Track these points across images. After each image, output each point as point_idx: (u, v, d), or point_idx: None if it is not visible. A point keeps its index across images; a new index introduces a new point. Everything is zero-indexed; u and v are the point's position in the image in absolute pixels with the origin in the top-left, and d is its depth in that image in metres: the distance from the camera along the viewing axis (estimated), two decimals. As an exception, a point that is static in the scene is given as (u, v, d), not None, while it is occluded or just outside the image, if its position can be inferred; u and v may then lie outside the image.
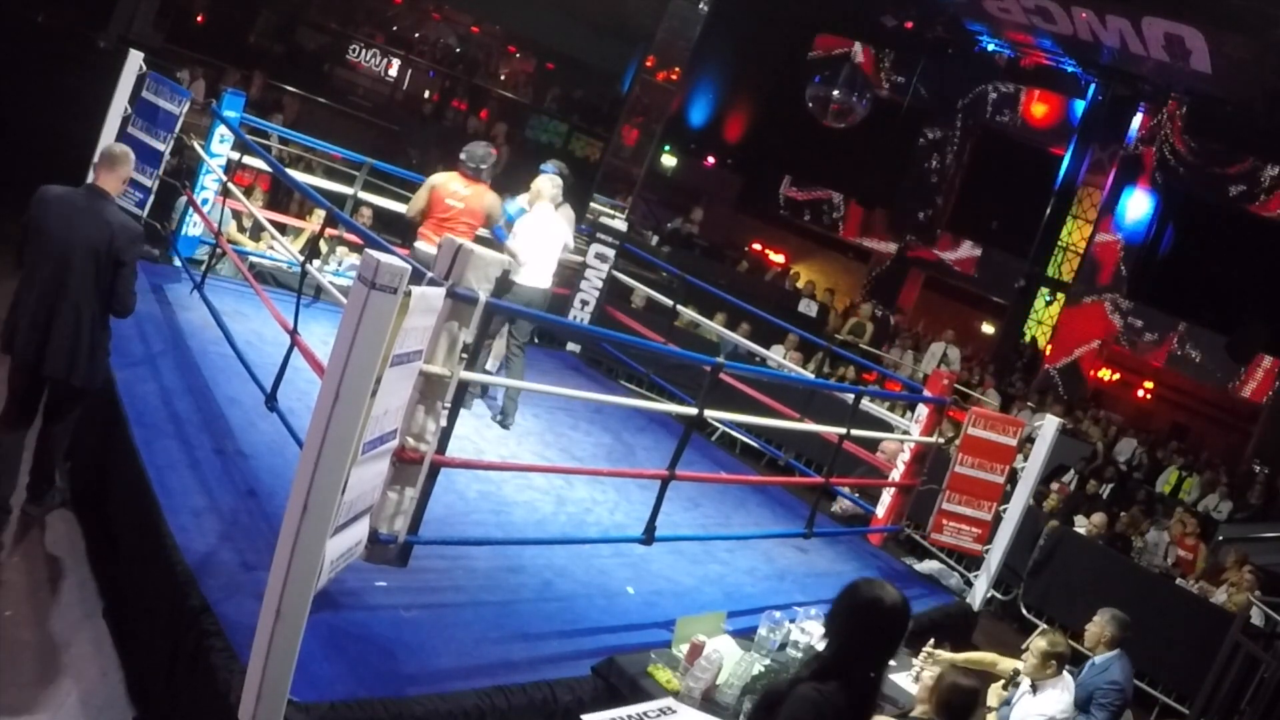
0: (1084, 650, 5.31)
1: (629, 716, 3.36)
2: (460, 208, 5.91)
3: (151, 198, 6.52)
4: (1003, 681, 5.11)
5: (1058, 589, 8.16)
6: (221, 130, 6.85)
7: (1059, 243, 16.27)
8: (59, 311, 4.18)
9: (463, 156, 6.05)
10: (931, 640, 5.09)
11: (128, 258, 4.25)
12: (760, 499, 7.00)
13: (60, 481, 4.62)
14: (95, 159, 4.46)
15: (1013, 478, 6.63)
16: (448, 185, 5.99)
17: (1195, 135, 15.15)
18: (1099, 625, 5.12)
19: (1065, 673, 4.73)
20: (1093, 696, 4.92)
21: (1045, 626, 7.80)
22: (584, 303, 8.46)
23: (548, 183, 6.49)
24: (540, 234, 6.30)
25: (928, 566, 7.28)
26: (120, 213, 4.34)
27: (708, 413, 4.96)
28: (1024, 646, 4.92)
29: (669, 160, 18.07)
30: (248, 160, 7.41)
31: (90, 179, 4.37)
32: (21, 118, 8.48)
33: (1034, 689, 4.66)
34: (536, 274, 6.28)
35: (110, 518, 4.30)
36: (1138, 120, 15.67)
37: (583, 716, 3.38)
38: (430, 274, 3.53)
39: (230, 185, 6.73)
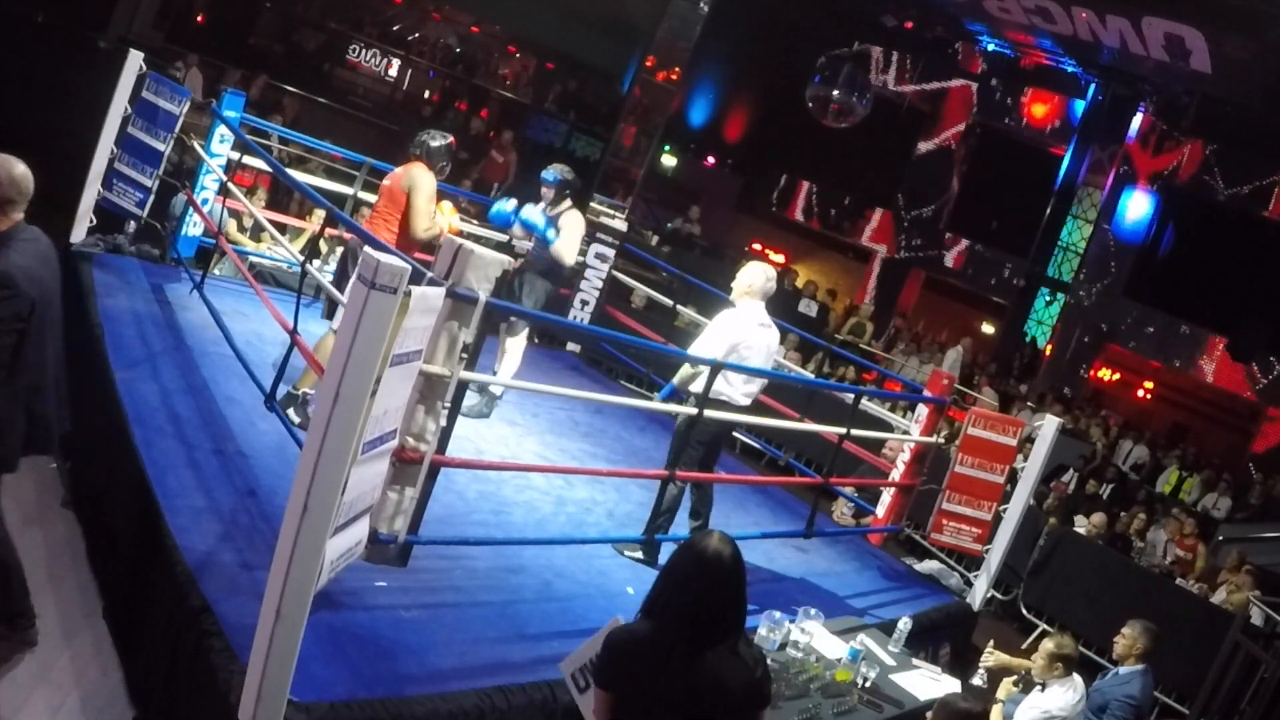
0: (1092, 654, 5.33)
1: None
2: (387, 184, 5.62)
3: (151, 198, 6.52)
4: (1014, 678, 5.15)
5: (1058, 589, 8.15)
6: (221, 130, 6.85)
7: (1059, 243, 16.27)
8: (59, 377, 3.55)
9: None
10: (992, 641, 5.36)
11: None
12: (760, 499, 7.00)
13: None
14: (13, 193, 3.35)
15: (1013, 478, 6.64)
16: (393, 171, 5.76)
17: (1196, 136, 15.14)
18: (1130, 638, 5.05)
19: (1075, 675, 4.81)
20: (1107, 706, 4.93)
21: (1045, 627, 7.82)
22: (584, 303, 8.44)
23: (760, 275, 5.10)
24: (757, 341, 5.08)
25: (928, 566, 7.29)
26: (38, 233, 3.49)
27: (708, 413, 4.96)
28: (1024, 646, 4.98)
29: (669, 160, 18.06)
30: (248, 160, 7.41)
31: (17, 216, 3.37)
32: (21, 118, 8.48)
33: (1042, 687, 4.81)
34: (743, 386, 5.15)
35: (110, 518, 4.30)
36: (1138, 120, 15.67)
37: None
38: (430, 274, 3.53)
39: (230, 185, 6.74)
